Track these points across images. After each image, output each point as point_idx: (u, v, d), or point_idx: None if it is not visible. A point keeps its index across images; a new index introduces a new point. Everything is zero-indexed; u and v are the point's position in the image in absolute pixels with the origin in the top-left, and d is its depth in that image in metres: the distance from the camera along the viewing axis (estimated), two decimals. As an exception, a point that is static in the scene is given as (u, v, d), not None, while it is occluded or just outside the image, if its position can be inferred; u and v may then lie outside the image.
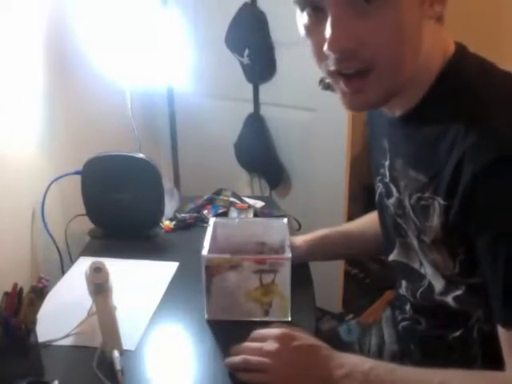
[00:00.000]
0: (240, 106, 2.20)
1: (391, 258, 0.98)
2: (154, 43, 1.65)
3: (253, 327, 0.94)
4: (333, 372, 0.81)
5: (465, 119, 0.73)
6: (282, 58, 2.05)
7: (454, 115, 0.75)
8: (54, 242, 1.36)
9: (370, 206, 1.08)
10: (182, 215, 1.45)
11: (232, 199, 1.49)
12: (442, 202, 0.76)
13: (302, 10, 0.76)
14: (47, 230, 1.35)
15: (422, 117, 0.81)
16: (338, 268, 2.23)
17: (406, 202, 0.86)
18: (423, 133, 0.80)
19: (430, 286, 0.88)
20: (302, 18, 0.76)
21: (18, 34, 1.30)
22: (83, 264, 1.16)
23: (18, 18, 1.29)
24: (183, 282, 1.18)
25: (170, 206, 1.44)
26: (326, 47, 0.72)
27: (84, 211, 1.38)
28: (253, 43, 2.06)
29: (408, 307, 0.97)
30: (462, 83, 0.78)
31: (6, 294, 0.87)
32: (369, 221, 1.16)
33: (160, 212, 1.38)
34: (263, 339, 0.88)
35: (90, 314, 1.03)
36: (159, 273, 1.21)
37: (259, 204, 1.51)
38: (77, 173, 1.35)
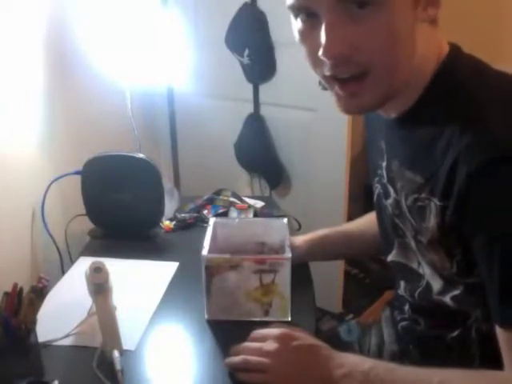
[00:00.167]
0: (240, 106, 2.20)
1: (390, 258, 0.98)
2: (154, 43, 1.65)
3: (253, 327, 0.94)
4: (333, 372, 0.81)
5: (459, 120, 0.74)
6: (282, 58, 2.05)
7: (448, 116, 0.76)
8: (54, 242, 1.37)
9: (369, 206, 1.08)
10: (182, 215, 1.45)
11: (232, 199, 1.50)
12: (437, 202, 0.77)
13: (296, 16, 0.76)
14: (47, 230, 1.35)
15: (418, 118, 0.81)
16: (337, 268, 2.23)
17: (403, 203, 0.86)
18: (419, 134, 0.81)
19: (428, 286, 0.88)
20: (297, 24, 0.77)
21: (18, 34, 1.30)
22: (83, 264, 1.16)
23: (18, 18, 1.29)
24: (183, 282, 1.18)
25: (169, 206, 1.44)
26: (320, 53, 0.73)
27: (84, 211, 1.38)
28: (253, 43, 2.06)
29: (407, 307, 0.97)
30: (456, 84, 0.78)
31: (6, 293, 0.87)
32: (369, 221, 1.16)
33: (160, 212, 1.38)
34: (263, 339, 0.88)
35: (89, 314, 1.03)
36: (159, 273, 1.21)
37: (259, 204, 1.51)
38: (77, 173, 1.35)
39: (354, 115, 1.26)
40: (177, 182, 2.43)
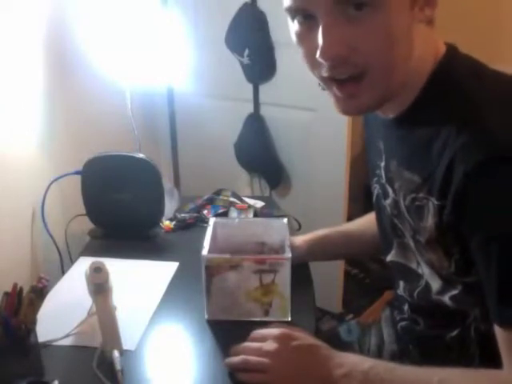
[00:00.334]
0: (240, 106, 2.20)
1: (389, 258, 0.98)
2: (154, 43, 1.65)
3: (253, 327, 0.94)
4: (332, 371, 0.81)
5: (456, 120, 0.74)
6: (281, 58, 2.05)
7: (445, 116, 0.76)
8: (54, 242, 1.37)
9: (369, 206, 1.08)
10: (182, 215, 1.45)
11: (232, 199, 1.50)
12: (435, 202, 0.77)
13: (293, 18, 0.76)
14: (47, 230, 1.35)
15: (415, 119, 0.81)
16: (338, 268, 2.23)
17: (401, 203, 0.86)
18: (416, 134, 0.81)
19: (427, 286, 0.88)
20: (294, 26, 0.77)
21: (18, 34, 1.30)
22: (83, 264, 1.16)
23: (18, 18, 1.29)
24: (183, 282, 1.18)
25: (169, 206, 1.44)
26: (318, 55, 0.73)
27: (84, 211, 1.38)
28: (253, 43, 2.06)
29: (406, 307, 0.97)
30: (453, 84, 0.78)
31: (6, 293, 0.88)
32: (369, 221, 1.16)
33: (160, 212, 1.38)
34: (263, 339, 0.89)
35: (89, 314, 1.03)
36: (159, 273, 1.22)
37: (259, 204, 1.51)
38: (77, 173, 1.35)
39: (352, 116, 1.26)
40: (177, 182, 2.43)
